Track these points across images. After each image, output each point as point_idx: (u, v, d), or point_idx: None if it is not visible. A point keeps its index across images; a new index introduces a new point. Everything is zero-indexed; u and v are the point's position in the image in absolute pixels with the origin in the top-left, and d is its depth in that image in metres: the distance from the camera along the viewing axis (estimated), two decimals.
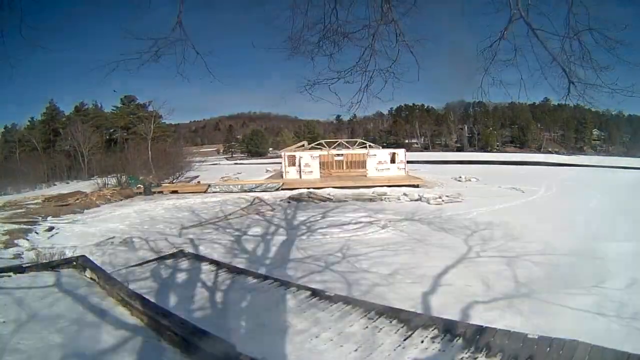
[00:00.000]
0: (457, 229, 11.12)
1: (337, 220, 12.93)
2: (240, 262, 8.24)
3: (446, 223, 11.94)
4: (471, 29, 3.94)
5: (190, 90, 67.21)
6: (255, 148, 73.91)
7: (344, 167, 25.59)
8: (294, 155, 24.84)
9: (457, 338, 3.35)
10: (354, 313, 4.02)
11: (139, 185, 22.61)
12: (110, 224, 13.60)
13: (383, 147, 34.32)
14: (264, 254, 9.23)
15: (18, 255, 9.54)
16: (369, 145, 26.95)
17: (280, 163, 26.04)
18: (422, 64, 3.66)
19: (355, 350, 3.30)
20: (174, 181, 27.41)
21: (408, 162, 26.12)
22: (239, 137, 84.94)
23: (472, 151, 65.62)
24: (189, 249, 8.43)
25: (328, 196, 17.87)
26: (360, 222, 12.32)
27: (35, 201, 19.78)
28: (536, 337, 3.21)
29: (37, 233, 12.60)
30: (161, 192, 21.99)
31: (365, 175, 24.11)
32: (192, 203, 17.88)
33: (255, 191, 20.88)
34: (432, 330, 3.53)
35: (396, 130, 76.22)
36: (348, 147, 26.93)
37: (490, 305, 5.82)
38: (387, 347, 3.30)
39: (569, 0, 2.95)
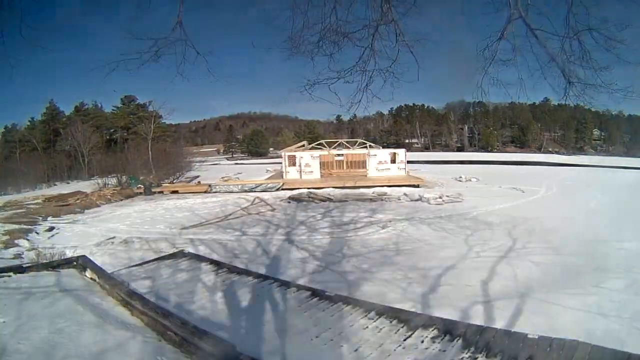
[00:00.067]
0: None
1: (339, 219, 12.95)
2: (240, 262, 8.24)
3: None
4: (471, 29, 3.95)
5: (190, 90, 67.37)
6: (255, 148, 73.91)
7: (345, 167, 25.58)
8: (294, 155, 24.84)
9: (457, 338, 3.35)
10: (354, 313, 4.02)
11: (140, 186, 22.63)
12: (111, 224, 13.61)
13: (383, 147, 34.30)
14: (264, 254, 9.23)
15: (18, 255, 9.56)
16: (370, 145, 26.94)
17: (281, 163, 26.04)
18: (422, 64, 3.66)
19: (355, 350, 3.30)
20: (174, 181, 27.43)
21: (408, 162, 26.11)
22: (239, 137, 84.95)
23: (472, 151, 65.60)
24: (189, 249, 8.43)
25: (328, 196, 17.86)
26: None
27: (36, 201, 19.80)
28: (536, 337, 3.21)
29: (37, 233, 12.62)
30: (161, 192, 22.01)
31: (366, 175, 24.10)
32: (193, 203, 17.89)
33: (255, 191, 20.89)
34: (432, 330, 3.53)
35: (396, 130, 76.17)
36: (348, 147, 26.92)
37: None
38: (387, 347, 3.30)
39: (569, 0, 2.95)
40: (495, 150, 66.17)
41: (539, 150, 67.29)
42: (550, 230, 10.52)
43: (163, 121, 47.80)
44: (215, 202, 18.06)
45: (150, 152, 30.92)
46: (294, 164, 24.35)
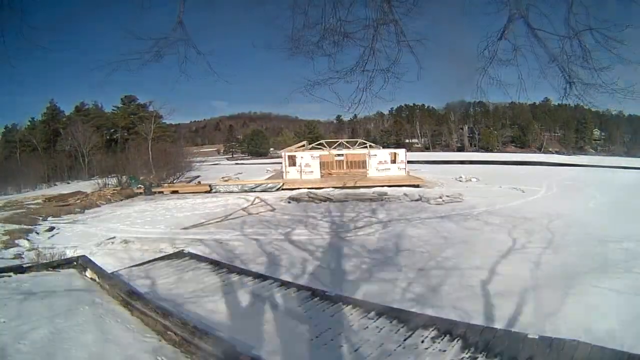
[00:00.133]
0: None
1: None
2: (240, 262, 8.25)
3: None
4: (471, 29, 3.94)
5: (190, 90, 67.33)
6: (255, 148, 73.95)
7: (345, 167, 25.59)
8: (295, 155, 24.83)
9: (457, 338, 3.36)
10: (354, 313, 4.02)
11: (140, 186, 22.65)
12: (111, 224, 13.62)
13: (384, 147, 34.32)
14: (264, 254, 9.23)
15: (18, 256, 9.56)
16: (370, 145, 26.94)
17: (281, 163, 26.04)
18: (423, 64, 3.65)
19: (356, 350, 3.30)
20: (174, 181, 27.44)
21: (408, 162, 26.10)
22: (239, 137, 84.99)
23: (472, 151, 65.62)
24: (189, 249, 8.42)
25: (328, 196, 17.86)
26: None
27: (36, 201, 19.81)
28: (536, 337, 3.21)
29: (37, 233, 12.63)
30: (162, 192, 22.02)
31: (366, 175, 24.10)
32: (193, 203, 17.89)
33: (255, 191, 20.90)
34: (432, 330, 3.53)
35: (397, 130, 76.19)
36: (348, 147, 26.93)
37: None
38: (387, 347, 3.30)
39: (569, 0, 2.95)
40: (496, 150, 66.17)
41: (539, 150, 67.31)
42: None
43: (163, 121, 47.91)
44: (215, 202, 18.07)
45: (150, 152, 30.95)
46: (294, 164, 24.35)
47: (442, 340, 3.36)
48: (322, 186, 20.91)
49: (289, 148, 30.03)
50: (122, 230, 12.53)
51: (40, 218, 15.13)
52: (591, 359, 2.87)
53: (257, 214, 14.74)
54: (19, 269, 4.65)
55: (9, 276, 4.38)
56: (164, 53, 3.32)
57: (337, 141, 28.69)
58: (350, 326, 3.71)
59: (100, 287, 4.29)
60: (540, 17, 3.07)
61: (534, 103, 70.75)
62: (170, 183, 25.52)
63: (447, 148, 71.14)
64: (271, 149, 72.91)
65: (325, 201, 17.17)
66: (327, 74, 3.68)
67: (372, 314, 3.95)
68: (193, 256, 6.93)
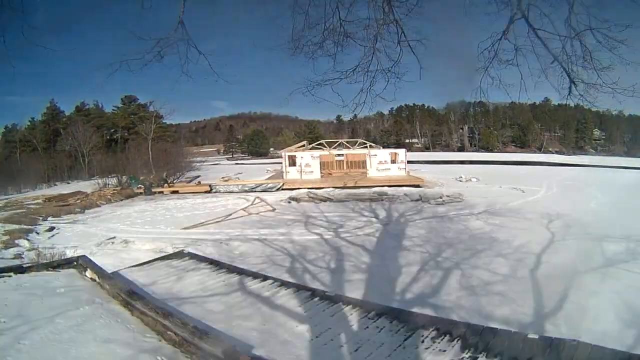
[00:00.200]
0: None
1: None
2: (240, 262, 8.23)
3: None
4: (472, 29, 3.93)
5: (191, 90, 67.24)
6: (256, 148, 73.89)
7: (345, 167, 25.59)
8: (295, 155, 24.84)
9: (457, 338, 3.35)
10: (354, 313, 4.01)
11: (140, 186, 22.65)
12: (111, 224, 13.62)
13: (384, 147, 34.31)
14: (264, 254, 9.22)
15: (19, 256, 9.55)
16: (370, 145, 26.93)
17: (281, 163, 26.04)
18: (423, 64, 3.65)
19: (356, 350, 3.30)
20: (174, 181, 27.43)
21: (409, 162, 26.10)
22: (239, 137, 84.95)
23: (472, 151, 65.57)
24: (189, 249, 8.43)
25: (328, 196, 17.86)
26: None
27: (36, 201, 19.81)
28: (536, 337, 3.21)
29: (37, 233, 12.63)
30: (162, 192, 22.02)
31: (366, 175, 24.10)
32: (193, 203, 17.89)
33: (255, 191, 20.90)
34: (432, 330, 3.53)
35: (397, 130, 76.11)
36: (349, 147, 26.93)
37: None
38: (387, 347, 3.30)
39: (570, 0, 2.94)
40: (496, 150, 66.11)
41: (540, 150, 67.26)
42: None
43: (164, 121, 47.90)
44: (215, 202, 18.07)
45: (150, 152, 30.95)
46: (294, 164, 24.35)
47: (442, 340, 3.36)
48: (322, 186, 20.90)
49: (289, 148, 30.03)
50: (122, 230, 12.52)
51: (40, 218, 15.13)
52: (591, 359, 2.87)
53: (257, 214, 14.74)
54: (19, 269, 4.66)
55: (9, 276, 4.39)
56: (165, 53, 3.32)
57: (337, 141, 28.70)
58: (350, 326, 3.70)
59: (100, 287, 4.29)
60: (541, 17, 3.07)
61: (534, 103, 70.73)
62: (170, 183, 25.48)
63: (447, 148, 71.08)
64: (271, 149, 72.87)
65: (325, 201, 17.16)
66: (328, 74, 3.68)
67: (372, 314, 3.95)
68: (193, 256, 6.94)
